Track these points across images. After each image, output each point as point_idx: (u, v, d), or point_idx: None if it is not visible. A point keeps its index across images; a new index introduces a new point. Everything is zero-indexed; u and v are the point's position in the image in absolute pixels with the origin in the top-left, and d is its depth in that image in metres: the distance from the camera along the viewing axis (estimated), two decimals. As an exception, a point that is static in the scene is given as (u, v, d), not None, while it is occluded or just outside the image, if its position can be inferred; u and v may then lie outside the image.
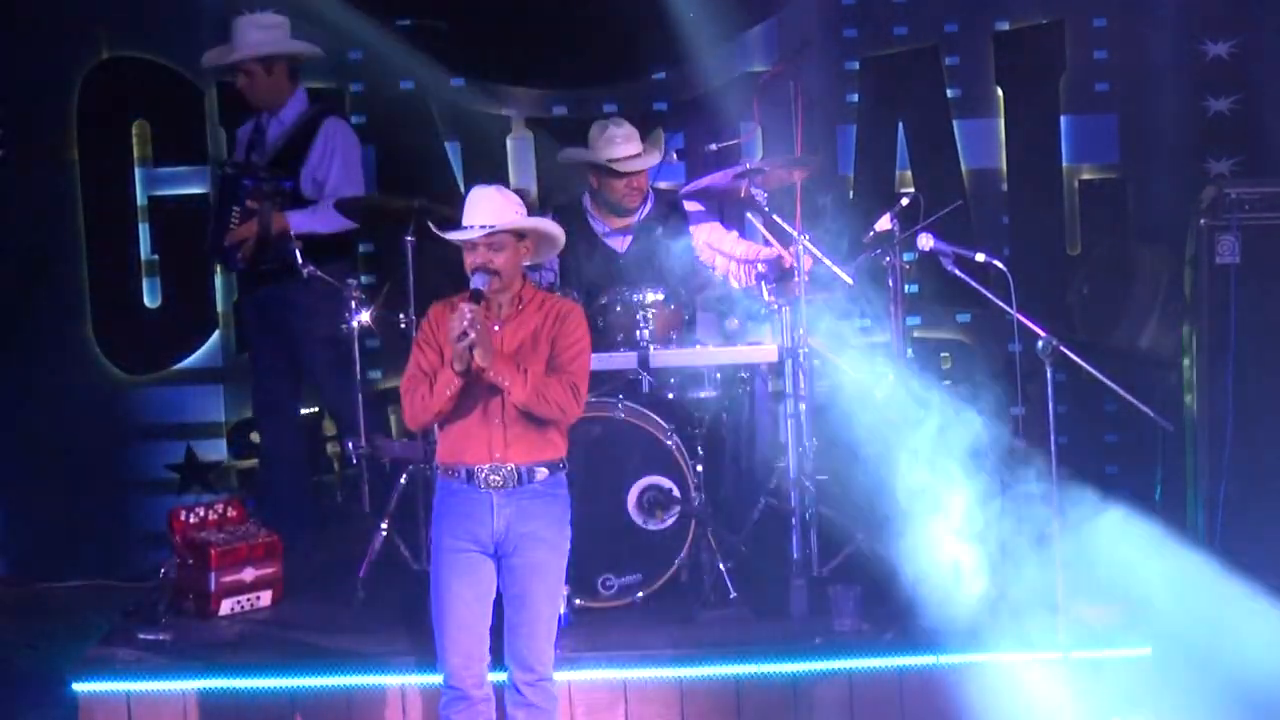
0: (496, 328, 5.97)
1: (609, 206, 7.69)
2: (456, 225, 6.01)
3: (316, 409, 9.15)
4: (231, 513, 7.37)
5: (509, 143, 9.08)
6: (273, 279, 7.84)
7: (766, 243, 7.65)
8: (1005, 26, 8.97)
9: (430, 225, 6.24)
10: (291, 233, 7.72)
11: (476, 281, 5.88)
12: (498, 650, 6.06)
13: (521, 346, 5.96)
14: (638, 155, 7.60)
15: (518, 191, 6.77)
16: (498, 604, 6.05)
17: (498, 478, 5.92)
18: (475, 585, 5.96)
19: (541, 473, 5.97)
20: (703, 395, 7.26)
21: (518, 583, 5.97)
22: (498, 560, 5.98)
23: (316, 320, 7.74)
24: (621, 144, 7.58)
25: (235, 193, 7.80)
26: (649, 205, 7.75)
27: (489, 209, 5.95)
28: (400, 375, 8.73)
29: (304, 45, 8.11)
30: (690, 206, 7.77)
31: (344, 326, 7.47)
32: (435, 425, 6.06)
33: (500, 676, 6.10)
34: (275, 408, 8.17)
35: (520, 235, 5.99)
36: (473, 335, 5.74)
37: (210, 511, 7.34)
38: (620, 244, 7.66)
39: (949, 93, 8.98)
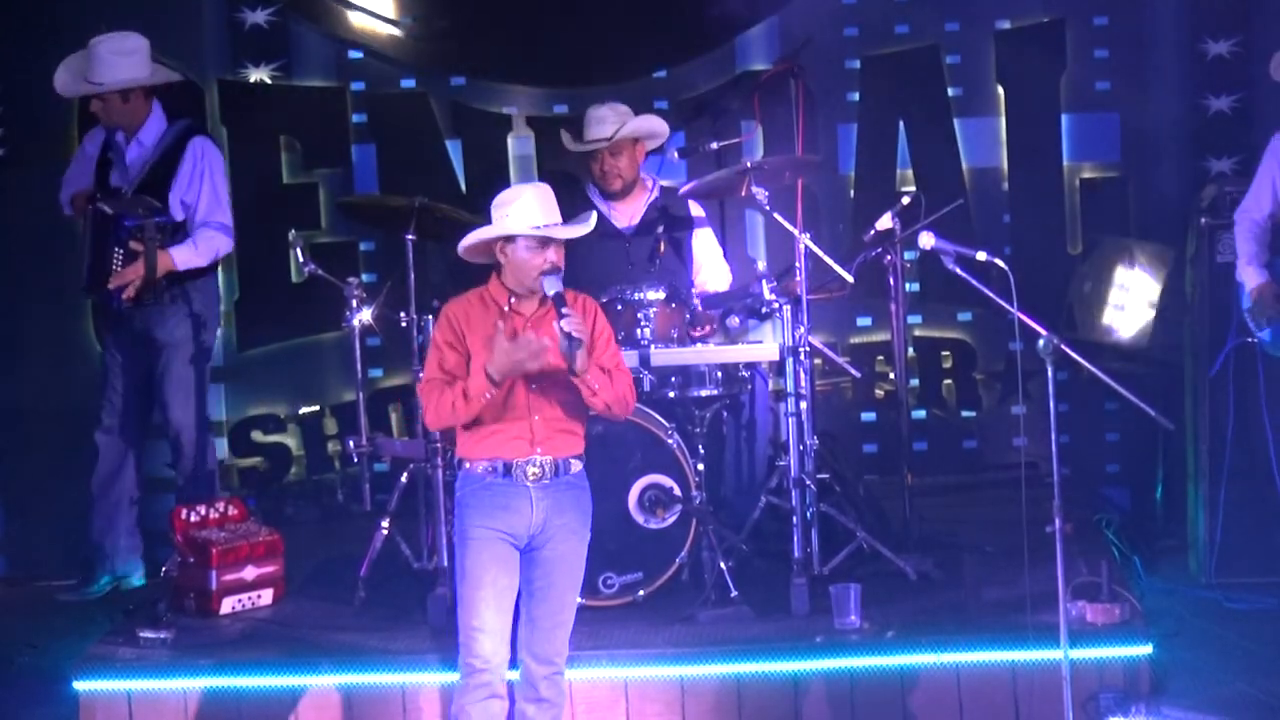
0: (501, 323, 5.96)
1: (600, 194, 7.71)
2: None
3: (316, 407, 9.17)
4: (232, 511, 7.37)
5: (510, 141, 9.09)
6: (141, 305, 7.71)
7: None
8: (1006, 25, 8.97)
9: (492, 230, 6.03)
10: (176, 269, 7.62)
11: (555, 284, 5.88)
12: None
13: (554, 343, 5.95)
14: (600, 139, 7.61)
15: None
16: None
17: (537, 470, 5.94)
18: (509, 574, 5.96)
19: (575, 465, 6.02)
20: (703, 394, 7.26)
21: (546, 575, 5.97)
22: (523, 554, 5.98)
23: (179, 339, 7.67)
24: (594, 126, 7.61)
25: (116, 232, 7.57)
26: (654, 192, 7.74)
27: (555, 206, 5.98)
28: (400, 374, 8.88)
29: (165, 73, 7.96)
30: (695, 211, 7.78)
31: (206, 348, 7.53)
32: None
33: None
34: (119, 427, 8.01)
35: None
36: (584, 339, 5.79)
37: (211, 510, 7.34)
38: (629, 233, 7.65)
39: (950, 91, 8.98)
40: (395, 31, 9.03)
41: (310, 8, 9.07)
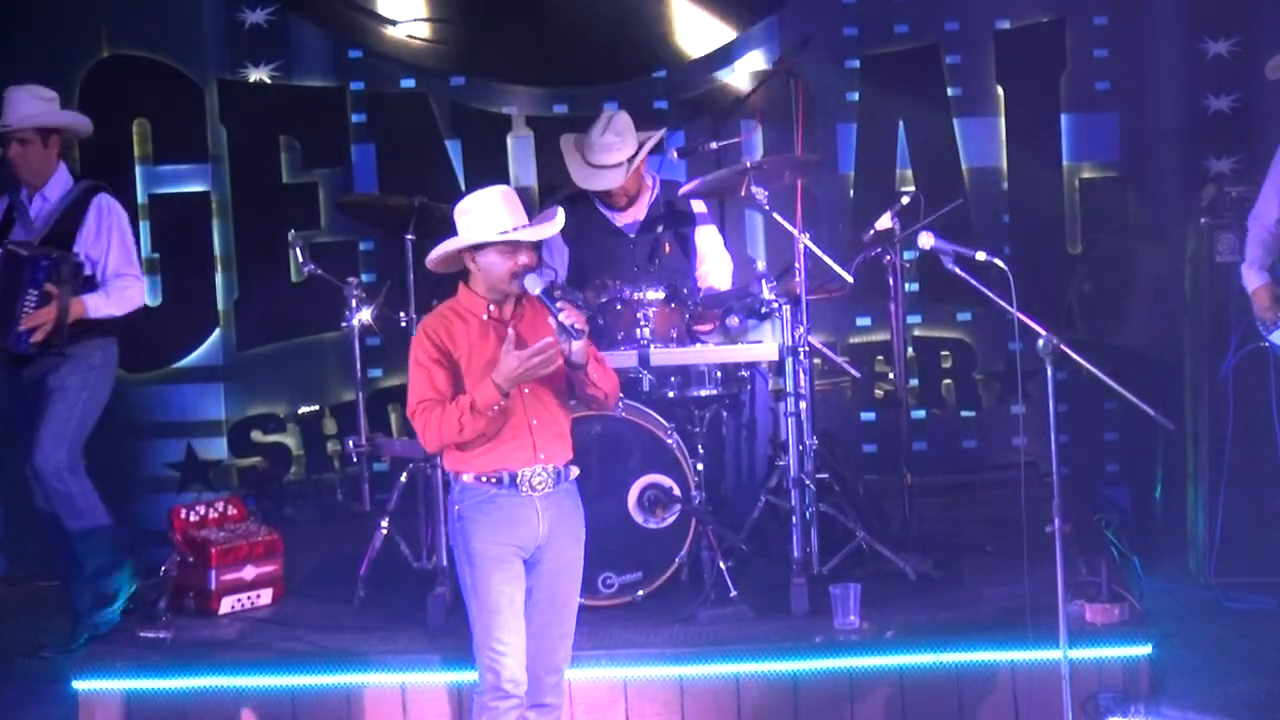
0: (510, 330, 5.92)
1: (605, 204, 7.70)
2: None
3: (316, 407, 9.17)
4: (232, 511, 7.37)
5: (509, 141, 9.09)
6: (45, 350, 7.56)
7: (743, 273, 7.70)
8: (1006, 25, 8.97)
9: (462, 240, 5.96)
10: (88, 317, 7.49)
11: (541, 281, 5.80)
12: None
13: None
14: (613, 167, 7.50)
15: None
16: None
17: (540, 479, 5.85)
18: (522, 590, 5.87)
19: (574, 471, 5.96)
20: (703, 394, 7.26)
21: (552, 585, 5.90)
22: (528, 565, 5.90)
23: (68, 386, 7.50)
24: (601, 153, 7.49)
25: (30, 274, 7.40)
26: (655, 190, 7.74)
27: (520, 209, 5.89)
28: (400, 374, 8.86)
29: (75, 118, 7.86)
30: (696, 207, 7.77)
31: (93, 402, 7.47)
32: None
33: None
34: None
35: None
36: (585, 329, 5.74)
37: (210, 510, 7.34)
38: (631, 232, 7.65)
39: (950, 91, 8.98)
40: (395, 31, 9.03)
41: (310, 7, 9.07)
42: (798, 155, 7.98)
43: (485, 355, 5.81)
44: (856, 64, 9.01)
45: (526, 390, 5.84)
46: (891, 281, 7.47)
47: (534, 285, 5.81)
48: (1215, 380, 7.67)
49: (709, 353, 7.23)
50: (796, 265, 7.07)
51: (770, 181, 7.26)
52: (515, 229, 5.83)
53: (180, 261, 9.08)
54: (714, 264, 7.79)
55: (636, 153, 7.52)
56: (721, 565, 6.81)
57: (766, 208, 7.17)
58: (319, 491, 9.03)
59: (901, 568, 7.07)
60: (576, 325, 5.73)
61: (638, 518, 6.91)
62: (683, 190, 7.56)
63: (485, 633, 5.81)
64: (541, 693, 5.95)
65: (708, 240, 7.82)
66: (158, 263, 9.06)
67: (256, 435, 9.16)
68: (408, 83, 9.10)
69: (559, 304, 5.78)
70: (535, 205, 8.91)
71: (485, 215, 5.84)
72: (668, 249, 7.50)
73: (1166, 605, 7.35)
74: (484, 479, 5.83)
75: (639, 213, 7.69)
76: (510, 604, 5.81)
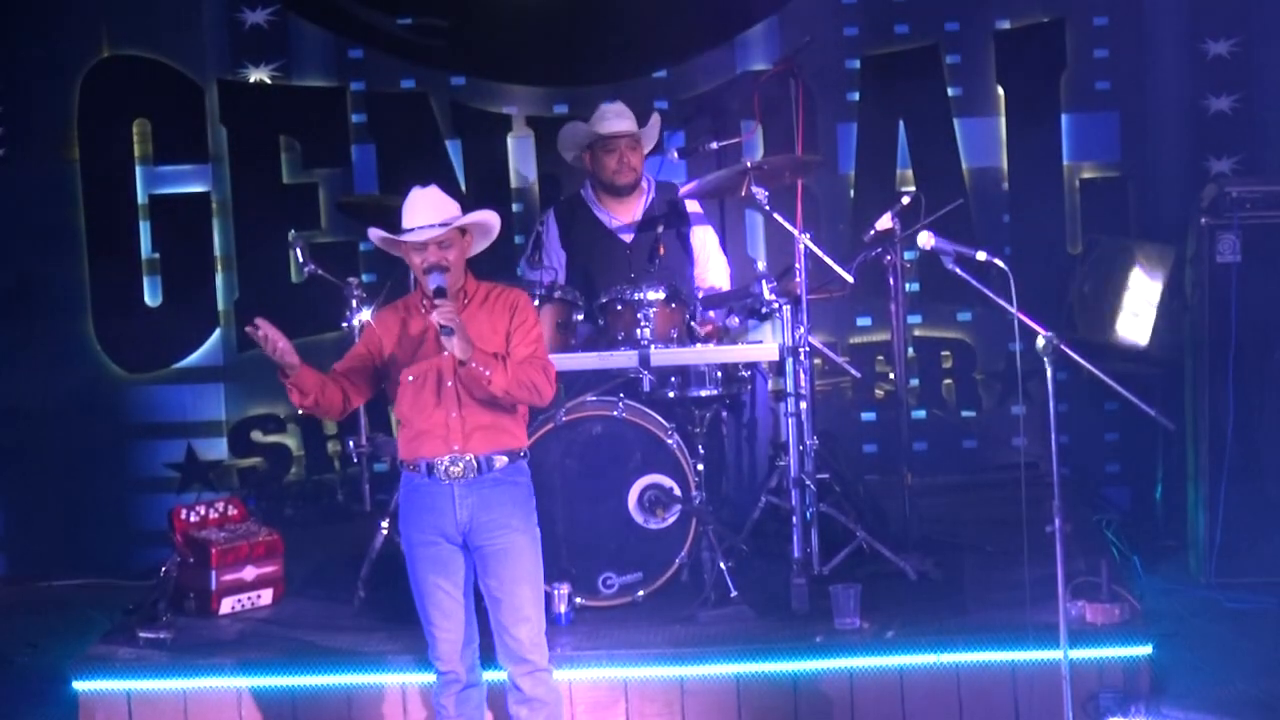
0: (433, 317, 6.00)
1: (605, 188, 7.70)
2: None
3: (317, 407, 9.16)
4: (232, 511, 7.37)
5: (510, 141, 9.09)
6: None
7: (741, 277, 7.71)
8: (1006, 25, 8.97)
9: (376, 232, 6.12)
10: None
11: (435, 280, 5.90)
12: (488, 647, 6.11)
13: (475, 337, 5.95)
14: (627, 131, 7.63)
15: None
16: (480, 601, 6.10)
17: (457, 469, 5.96)
18: (450, 575, 6.02)
19: (500, 460, 6.00)
20: (703, 394, 7.26)
21: (493, 572, 6.00)
22: (468, 552, 6.02)
23: None
24: (613, 119, 7.62)
25: None
26: (651, 193, 7.76)
27: (431, 208, 5.97)
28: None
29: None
30: (691, 208, 7.78)
31: None
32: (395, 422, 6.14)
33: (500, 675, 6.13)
34: None
35: (463, 231, 6.02)
36: (455, 328, 5.78)
37: (211, 510, 7.34)
38: (628, 235, 7.67)
39: (950, 91, 8.98)
40: (395, 31, 9.03)
41: (310, 7, 9.07)
42: (798, 155, 7.98)
43: (411, 341, 6.02)
44: (856, 64, 9.01)
45: (449, 383, 5.96)
46: (892, 281, 7.47)
47: (433, 283, 5.91)
48: (1216, 380, 7.67)
49: (709, 353, 7.23)
50: (797, 265, 7.07)
51: (770, 181, 7.27)
52: (413, 229, 5.95)
53: (180, 261, 9.08)
54: (711, 268, 7.80)
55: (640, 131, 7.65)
56: (721, 565, 6.81)
57: (766, 208, 7.18)
58: (319, 492, 9.03)
59: (901, 568, 7.07)
60: (444, 323, 5.78)
61: (638, 518, 6.92)
62: (683, 190, 7.57)
63: (421, 618, 6.11)
64: (518, 687, 6.04)
65: (704, 241, 7.83)
66: (158, 263, 9.07)
67: (257, 435, 9.16)
68: (408, 83, 9.10)
69: (438, 300, 5.84)
70: (536, 205, 8.93)
71: (406, 214, 6.00)
72: (662, 250, 7.50)
73: (1166, 605, 7.35)
74: (408, 466, 6.05)
75: (635, 213, 7.70)
76: (435, 588, 6.02)
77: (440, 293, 5.87)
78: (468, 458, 5.97)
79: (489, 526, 5.98)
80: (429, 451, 5.98)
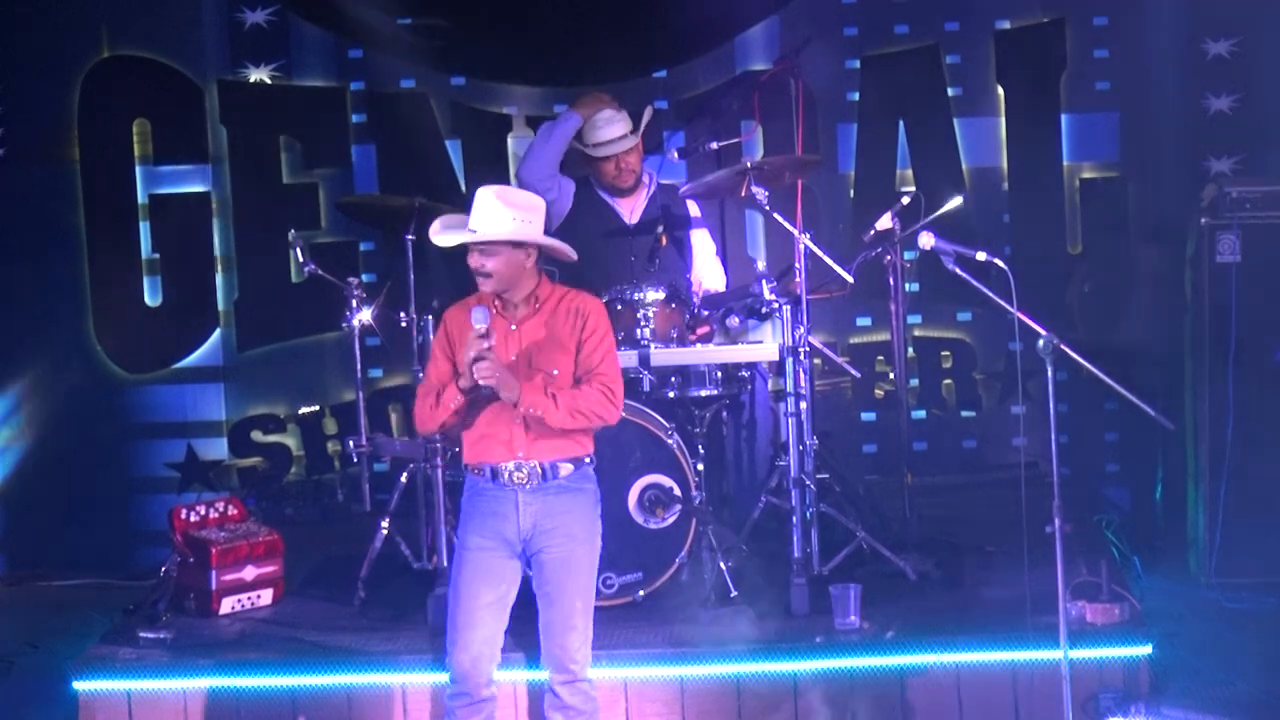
0: (513, 327, 5.95)
1: (608, 189, 7.71)
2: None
3: (316, 407, 9.17)
4: (232, 511, 7.37)
5: (510, 141, 9.09)
6: None
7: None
8: (1006, 25, 8.97)
9: (434, 232, 6.11)
10: None
11: (477, 319, 5.80)
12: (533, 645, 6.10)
13: (539, 345, 5.94)
14: (620, 138, 7.60)
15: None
16: (521, 606, 6.07)
17: (522, 475, 5.92)
18: (495, 587, 5.96)
19: (566, 468, 5.98)
20: (703, 394, 7.26)
21: (548, 579, 5.96)
22: (526, 559, 5.98)
23: None
24: (604, 127, 7.61)
25: None
26: (653, 185, 7.75)
27: (483, 216, 5.89)
28: (400, 374, 8.89)
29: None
30: (691, 210, 7.78)
31: None
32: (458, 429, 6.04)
33: (511, 675, 6.11)
34: None
35: (518, 243, 5.93)
36: (494, 380, 5.74)
37: (211, 510, 7.34)
38: (630, 215, 7.66)
39: (950, 91, 8.98)
40: (395, 31, 9.03)
41: (310, 7, 9.07)
42: (798, 155, 7.99)
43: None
44: (856, 64, 9.01)
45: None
46: (892, 281, 7.47)
47: (475, 321, 5.80)
48: (1216, 380, 7.67)
49: (709, 353, 7.23)
50: (797, 265, 7.07)
51: (770, 181, 7.26)
52: (464, 229, 5.89)
53: (180, 261, 9.08)
54: (706, 272, 7.80)
55: (635, 128, 7.63)
56: (722, 565, 6.82)
57: (766, 208, 7.17)
58: (319, 492, 9.03)
59: (901, 568, 7.07)
60: (483, 382, 5.74)
61: (638, 518, 6.92)
62: (683, 190, 7.57)
63: (448, 619, 6.01)
64: (555, 693, 6.00)
65: (700, 245, 7.83)
66: (158, 263, 9.07)
67: (257, 435, 9.16)
68: (408, 83, 9.10)
69: (475, 354, 5.75)
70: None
71: (471, 212, 5.93)
72: (664, 241, 7.49)
73: (1166, 605, 7.35)
74: (473, 470, 5.99)
75: (639, 208, 7.71)
76: (472, 597, 5.94)
77: (484, 334, 5.78)
78: (532, 464, 5.93)
79: (551, 534, 5.95)
80: (493, 456, 5.94)
